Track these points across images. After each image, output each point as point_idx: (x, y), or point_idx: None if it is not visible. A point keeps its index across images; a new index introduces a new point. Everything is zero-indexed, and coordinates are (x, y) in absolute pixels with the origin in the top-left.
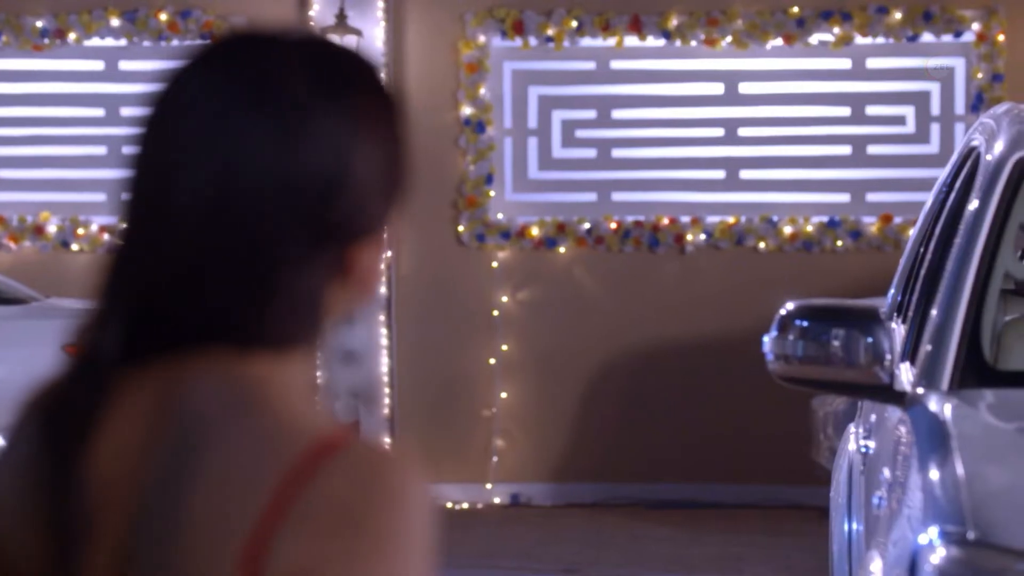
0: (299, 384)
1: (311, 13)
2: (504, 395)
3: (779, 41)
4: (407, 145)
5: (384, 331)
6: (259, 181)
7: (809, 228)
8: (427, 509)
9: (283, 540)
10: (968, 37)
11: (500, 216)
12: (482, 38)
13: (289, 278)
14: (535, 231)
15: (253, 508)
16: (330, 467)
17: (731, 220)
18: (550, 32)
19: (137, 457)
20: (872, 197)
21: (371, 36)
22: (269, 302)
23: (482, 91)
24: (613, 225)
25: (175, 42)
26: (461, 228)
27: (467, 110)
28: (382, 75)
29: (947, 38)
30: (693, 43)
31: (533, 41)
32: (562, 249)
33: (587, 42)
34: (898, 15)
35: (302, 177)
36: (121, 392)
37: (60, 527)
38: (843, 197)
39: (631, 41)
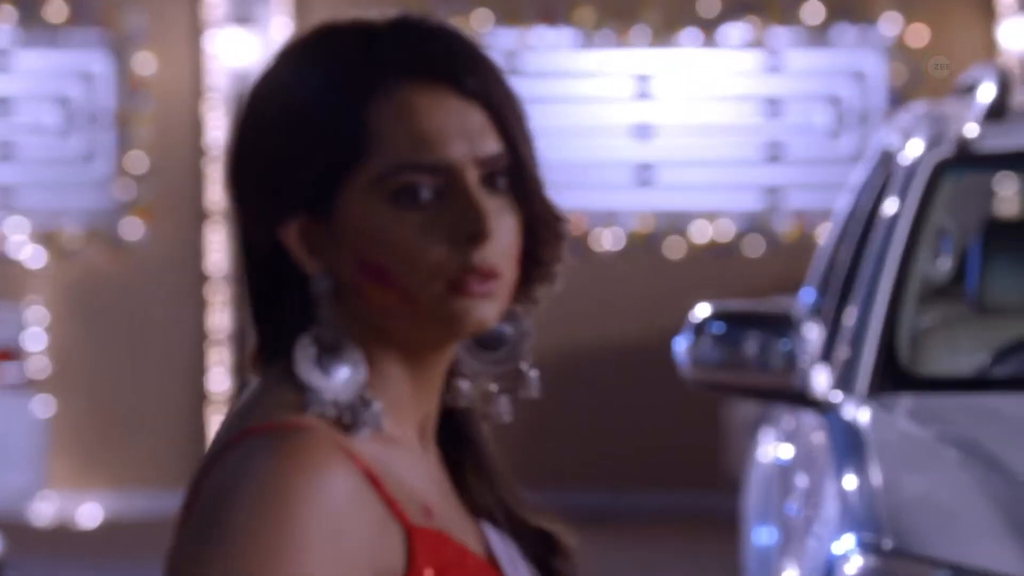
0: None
1: (205, 4)
2: None
3: (692, 35)
4: None
5: None
6: None
7: (723, 230)
8: (290, 506)
9: (181, 521)
10: (886, 35)
11: None
12: None
13: None
14: None
15: (186, 494)
16: (227, 453)
17: (643, 222)
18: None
19: None
20: (787, 198)
21: (272, 30)
22: None
23: None
24: None
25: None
26: None
27: None
28: None
29: (865, 36)
30: (604, 37)
31: None
32: None
33: (498, 36)
34: (815, 15)
35: None
36: None
37: None
38: (757, 198)
39: (541, 35)
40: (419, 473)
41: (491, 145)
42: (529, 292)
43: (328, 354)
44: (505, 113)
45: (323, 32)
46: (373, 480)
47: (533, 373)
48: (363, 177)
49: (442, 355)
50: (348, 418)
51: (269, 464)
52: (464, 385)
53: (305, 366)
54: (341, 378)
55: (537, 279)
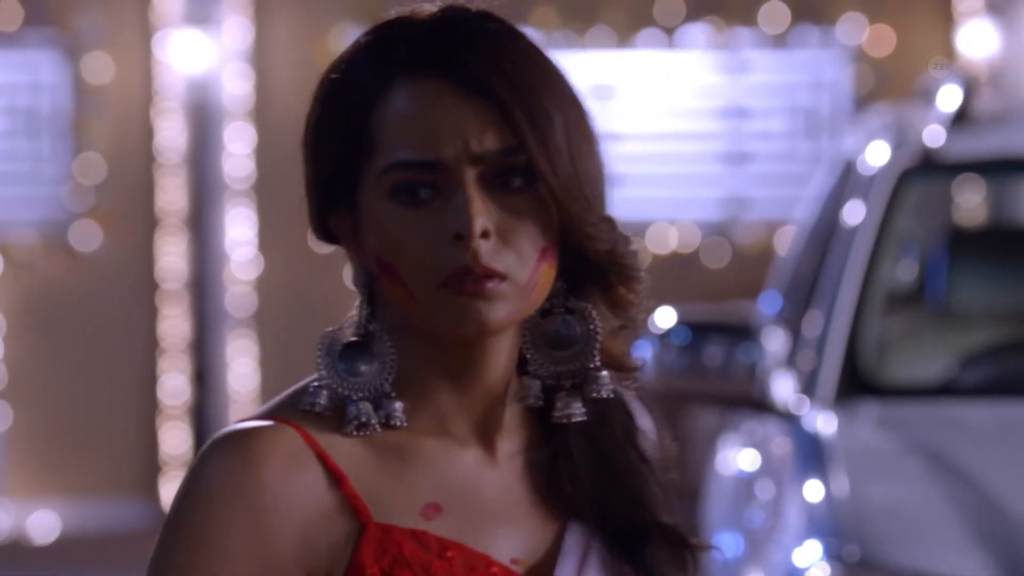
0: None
1: (159, 5)
2: None
3: (653, 37)
4: None
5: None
6: None
7: (684, 237)
8: (203, 504)
9: None
10: (849, 38)
11: None
12: (341, 35)
13: None
14: None
15: None
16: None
17: None
18: None
19: None
20: (751, 206)
21: (229, 32)
22: None
23: None
24: None
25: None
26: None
27: None
28: None
29: (828, 39)
30: (565, 39)
31: None
32: None
33: None
34: (778, 18)
35: None
36: None
37: None
38: (719, 206)
39: None
40: (441, 470)
41: (491, 141)
42: (590, 289)
43: (355, 347)
44: (512, 108)
45: (368, 29)
46: (338, 477)
47: (603, 373)
48: (370, 175)
49: (474, 352)
50: (351, 414)
51: (202, 463)
52: (534, 384)
53: (319, 359)
54: (360, 371)
55: (596, 277)
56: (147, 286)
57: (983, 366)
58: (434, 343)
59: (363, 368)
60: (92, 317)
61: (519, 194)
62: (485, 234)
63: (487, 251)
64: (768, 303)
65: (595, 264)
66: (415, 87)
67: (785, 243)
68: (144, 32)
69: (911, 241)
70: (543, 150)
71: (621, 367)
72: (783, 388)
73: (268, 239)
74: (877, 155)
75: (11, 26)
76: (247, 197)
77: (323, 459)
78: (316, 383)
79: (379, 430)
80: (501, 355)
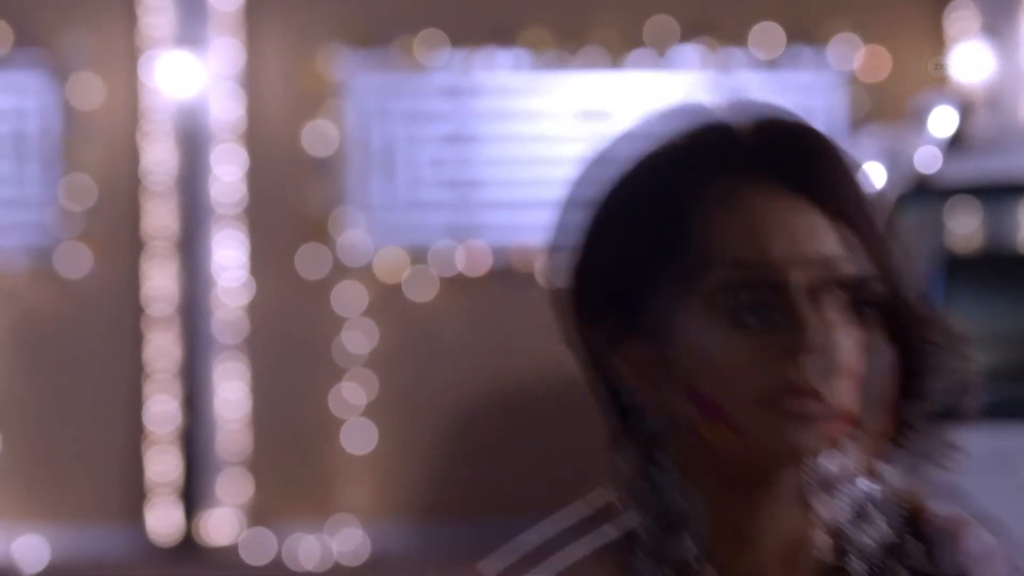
0: None
1: (143, 24)
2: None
3: (642, 58)
4: None
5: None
6: None
7: None
8: None
9: None
10: (843, 59)
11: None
12: (332, 56)
13: None
14: (385, 264)
15: None
16: None
17: None
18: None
19: None
20: None
21: (217, 53)
22: None
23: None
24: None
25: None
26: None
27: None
28: None
29: (822, 63)
30: (550, 59)
31: (388, 56)
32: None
33: (447, 57)
34: (772, 43)
35: None
36: None
37: None
38: None
39: (491, 57)
40: None
41: (849, 266)
42: (901, 438)
43: (664, 505)
44: (868, 234)
45: (677, 132)
46: None
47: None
48: (689, 296)
49: (771, 491)
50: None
51: None
52: (822, 540)
53: (634, 523)
54: (676, 541)
55: (911, 422)
56: (135, 311)
57: (980, 391)
58: (734, 482)
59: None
60: (79, 342)
61: (867, 327)
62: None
63: (817, 372)
64: None
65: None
66: (746, 191)
67: None
68: (133, 53)
69: None
70: (894, 277)
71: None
72: None
73: (259, 264)
74: (874, 180)
75: (1, 48)
76: (238, 220)
77: None
78: (637, 546)
79: None
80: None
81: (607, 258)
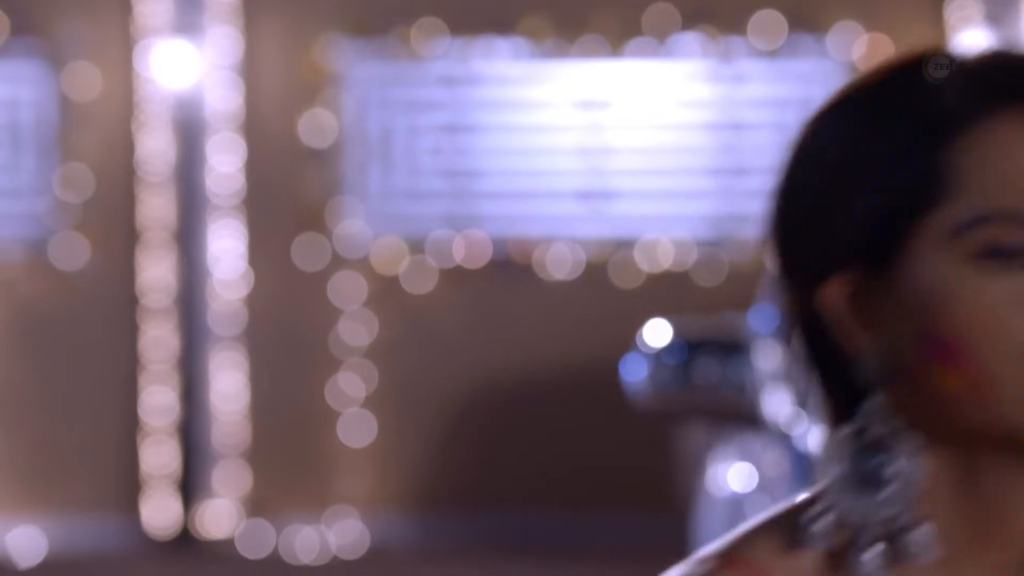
0: None
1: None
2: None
3: (642, 46)
4: None
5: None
6: None
7: (675, 252)
8: None
9: None
10: (844, 51)
11: (350, 239)
12: (330, 45)
13: None
14: (383, 255)
15: None
16: None
17: (591, 246)
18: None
19: None
20: (745, 222)
21: (215, 42)
22: None
23: (330, 100)
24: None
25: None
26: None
27: (313, 123)
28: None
29: (824, 55)
30: (549, 48)
31: (386, 45)
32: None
33: (445, 45)
34: (773, 32)
35: None
36: None
37: None
38: (712, 222)
39: (489, 45)
40: None
41: None
42: None
43: (870, 459)
44: None
45: (887, 71)
46: None
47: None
48: (936, 228)
49: (1007, 463)
50: (864, 539)
51: None
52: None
53: (830, 466)
54: (882, 497)
55: None
56: (132, 302)
57: None
58: (967, 445)
59: (888, 493)
60: (75, 333)
61: None
62: None
63: None
64: (762, 318)
65: None
66: (1007, 126)
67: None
68: (129, 43)
69: None
70: None
71: None
72: (778, 405)
73: (256, 254)
74: None
75: None
76: (236, 210)
77: None
78: (821, 505)
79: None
80: None
81: (836, 176)
